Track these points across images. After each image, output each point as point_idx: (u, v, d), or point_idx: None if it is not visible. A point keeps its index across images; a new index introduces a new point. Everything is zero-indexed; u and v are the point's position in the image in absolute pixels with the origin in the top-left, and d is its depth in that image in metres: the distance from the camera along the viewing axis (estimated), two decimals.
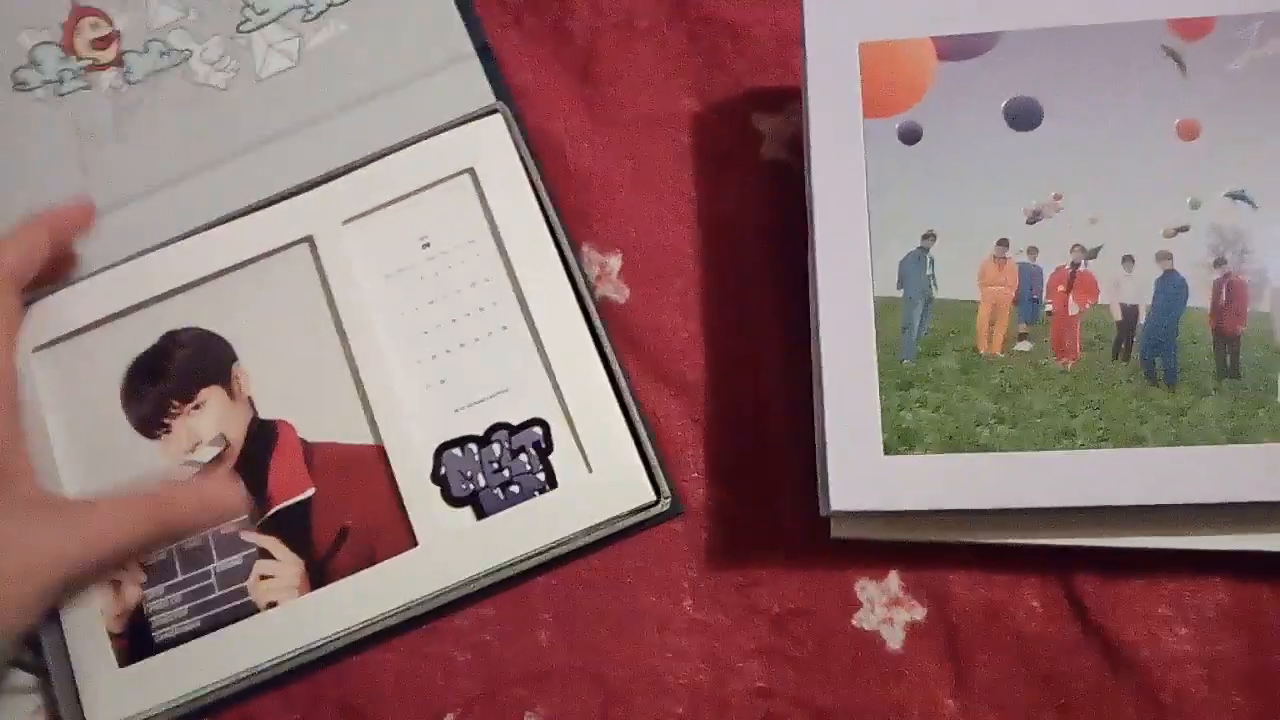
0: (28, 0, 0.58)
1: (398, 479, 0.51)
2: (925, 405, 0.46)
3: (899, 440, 0.46)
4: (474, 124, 0.54)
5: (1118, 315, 0.46)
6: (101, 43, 0.56)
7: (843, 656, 0.50)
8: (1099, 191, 0.47)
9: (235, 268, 0.54)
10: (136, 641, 0.51)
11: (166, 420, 0.53)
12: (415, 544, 0.50)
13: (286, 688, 0.51)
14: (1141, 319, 0.46)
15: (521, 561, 0.50)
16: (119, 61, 0.56)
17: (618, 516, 0.50)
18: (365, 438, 0.51)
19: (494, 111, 0.54)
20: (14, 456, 0.49)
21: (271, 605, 0.50)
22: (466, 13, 0.57)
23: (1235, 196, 0.46)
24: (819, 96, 0.49)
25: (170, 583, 0.51)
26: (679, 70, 0.57)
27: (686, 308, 0.54)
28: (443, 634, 0.51)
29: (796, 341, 0.51)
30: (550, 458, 0.51)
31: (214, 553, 0.51)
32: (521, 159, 0.54)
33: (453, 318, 0.53)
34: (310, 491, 0.51)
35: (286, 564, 0.50)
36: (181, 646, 0.50)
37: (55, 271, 0.53)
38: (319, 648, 0.50)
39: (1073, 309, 0.47)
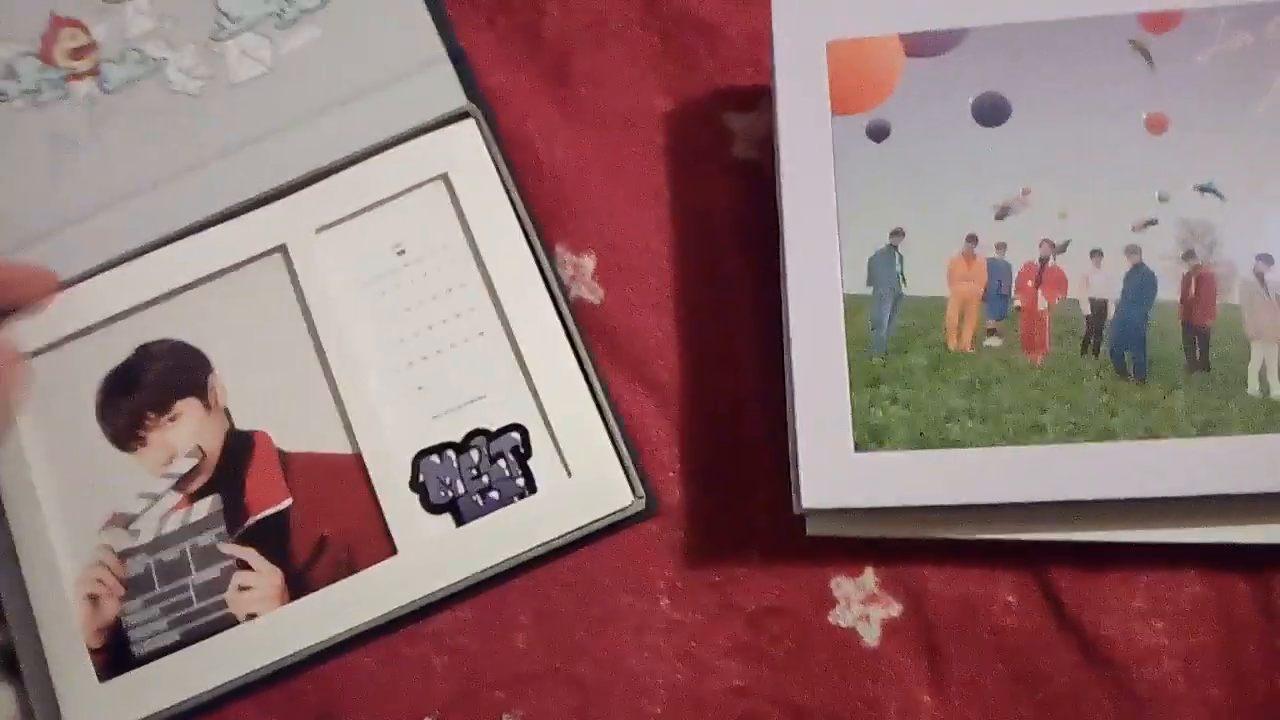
0: (7, 12, 0.58)
1: (376, 487, 0.51)
2: (895, 402, 0.46)
3: (869, 437, 0.46)
4: (447, 129, 0.54)
5: (1087, 309, 0.46)
6: (79, 53, 0.56)
7: (819, 654, 0.50)
8: (1067, 186, 0.47)
9: (209, 278, 0.54)
10: (116, 656, 0.51)
11: (142, 433, 0.53)
12: (395, 552, 0.50)
13: (263, 693, 0.51)
14: (1111, 313, 0.46)
15: (501, 565, 0.50)
16: (95, 71, 0.56)
17: (596, 520, 0.50)
18: (342, 447, 0.52)
19: (466, 115, 0.54)
20: None
21: (251, 616, 0.50)
22: (438, 16, 0.57)
23: (1204, 189, 0.46)
24: (787, 94, 0.49)
25: (148, 596, 0.51)
26: (651, 70, 0.57)
27: (661, 307, 0.54)
28: (420, 637, 0.51)
29: (770, 340, 0.51)
30: (529, 463, 0.51)
31: (191, 565, 0.51)
32: (495, 163, 0.54)
33: (429, 324, 0.53)
34: (288, 502, 0.51)
35: (265, 575, 0.51)
36: (161, 660, 0.50)
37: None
38: (299, 656, 0.50)
39: (1042, 304, 0.47)
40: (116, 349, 0.54)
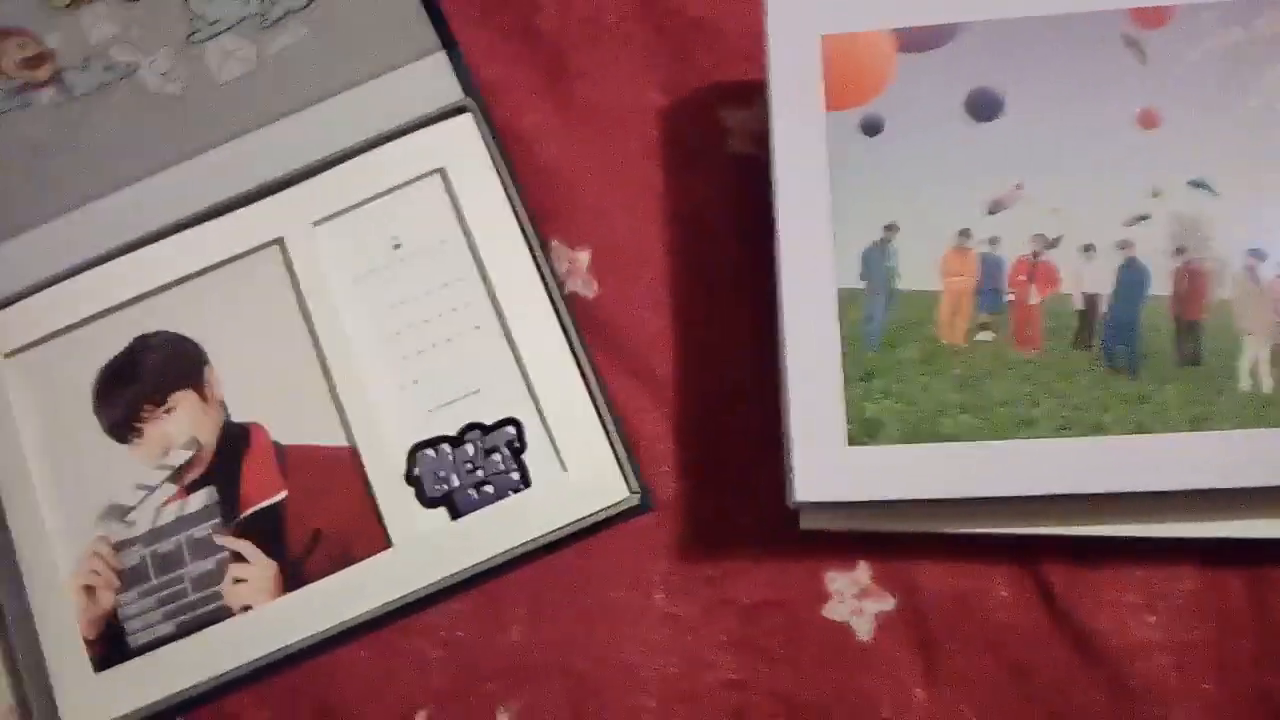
0: None
1: (371, 480, 0.51)
2: (888, 396, 0.46)
3: (863, 431, 0.46)
4: (444, 124, 0.54)
5: (1079, 304, 0.46)
6: (32, 63, 0.54)
7: (813, 647, 0.50)
8: (1060, 181, 0.47)
9: (205, 271, 0.54)
10: (111, 647, 0.51)
11: (138, 424, 0.53)
12: (390, 545, 0.50)
13: (259, 685, 0.51)
14: (1103, 308, 0.46)
15: (496, 559, 0.50)
16: (57, 79, 0.55)
17: (591, 514, 0.50)
18: (338, 439, 0.52)
19: (463, 110, 0.55)
20: None
21: (246, 608, 0.50)
22: (432, 9, 0.57)
23: (1196, 184, 0.46)
24: (781, 89, 0.49)
25: (143, 587, 0.51)
26: (647, 65, 0.57)
27: (655, 302, 0.54)
28: (415, 630, 0.51)
29: (764, 334, 0.51)
30: (524, 457, 0.51)
31: (187, 556, 0.52)
32: (492, 158, 0.54)
33: (425, 318, 0.53)
34: (283, 494, 0.51)
35: (260, 567, 0.51)
36: (156, 651, 0.51)
37: None
38: (294, 648, 0.50)
39: (1034, 298, 0.47)
40: (114, 341, 0.54)
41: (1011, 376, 0.46)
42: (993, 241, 0.47)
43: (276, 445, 0.52)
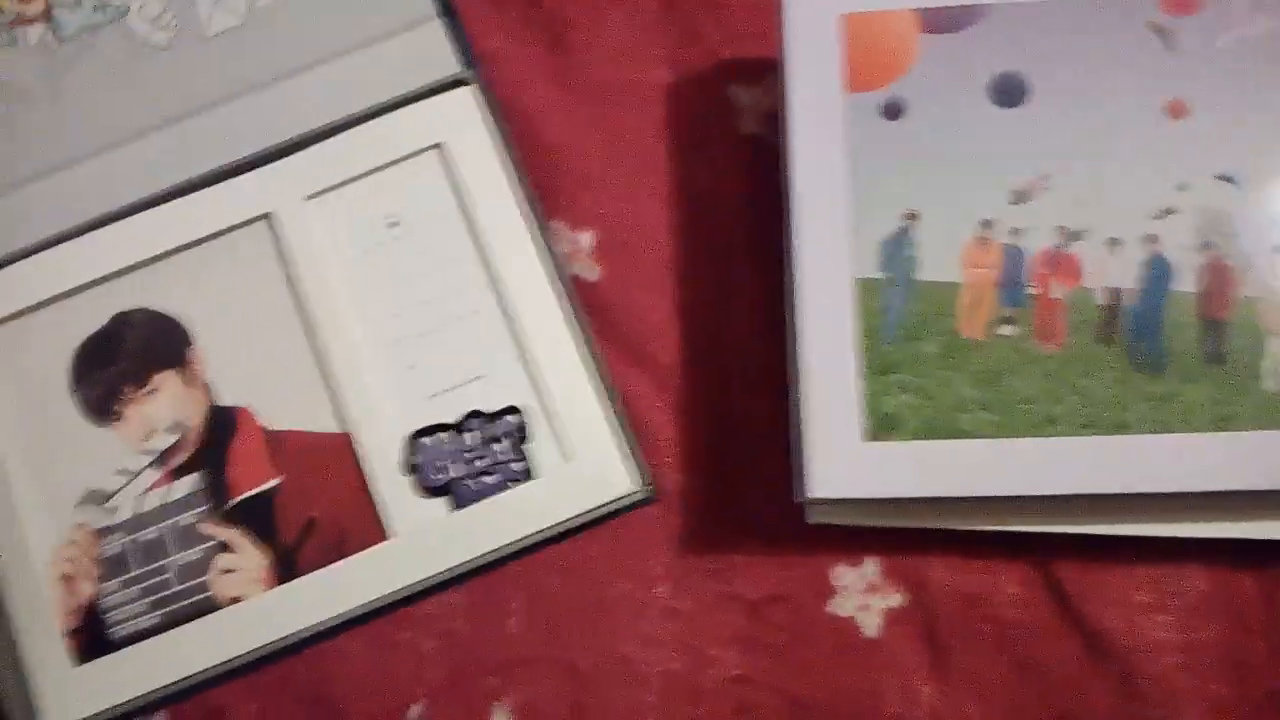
0: None
1: (366, 469, 0.49)
2: (906, 390, 0.45)
3: (880, 426, 0.45)
4: (443, 96, 0.52)
5: (1102, 299, 0.45)
6: None
7: (819, 643, 0.49)
8: (1085, 171, 0.46)
9: (189, 245, 0.52)
10: (92, 639, 0.49)
11: (118, 407, 0.51)
12: (387, 536, 0.48)
13: (251, 677, 0.49)
14: (1126, 303, 0.45)
15: (498, 552, 0.48)
16: (47, 16, 0.53)
17: (597, 507, 0.48)
18: (331, 425, 0.50)
19: (463, 82, 0.52)
20: None
21: (235, 600, 0.49)
22: None
23: (1223, 178, 0.45)
24: (798, 69, 0.48)
25: (125, 577, 0.49)
26: (653, 40, 0.55)
27: (660, 287, 0.53)
28: (410, 621, 0.50)
29: (773, 322, 0.50)
30: (527, 446, 0.49)
31: (171, 546, 0.49)
32: (492, 134, 0.52)
33: (422, 300, 0.51)
34: (274, 481, 0.49)
35: (250, 557, 0.49)
36: (140, 644, 0.49)
37: None
38: (285, 642, 0.48)
39: (1056, 292, 0.46)
40: (92, 317, 0.52)
41: (1033, 373, 0.45)
42: (1015, 233, 0.46)
43: (265, 430, 0.50)
